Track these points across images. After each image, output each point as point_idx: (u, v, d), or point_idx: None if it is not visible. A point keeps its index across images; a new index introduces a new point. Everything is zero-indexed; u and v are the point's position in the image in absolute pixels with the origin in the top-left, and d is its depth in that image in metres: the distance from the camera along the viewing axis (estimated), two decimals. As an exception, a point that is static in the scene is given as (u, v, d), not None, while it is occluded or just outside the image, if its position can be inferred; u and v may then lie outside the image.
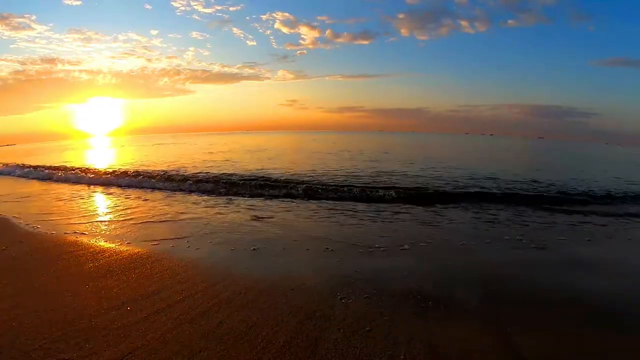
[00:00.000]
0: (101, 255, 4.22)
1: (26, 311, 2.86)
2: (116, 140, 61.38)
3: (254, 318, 2.73)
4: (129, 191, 8.90)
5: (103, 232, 5.28)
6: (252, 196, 8.09)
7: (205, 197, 8.04)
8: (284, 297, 3.10)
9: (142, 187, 9.01)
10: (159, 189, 8.84)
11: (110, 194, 8.65)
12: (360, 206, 7.08)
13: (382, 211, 6.62)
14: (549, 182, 10.01)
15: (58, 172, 11.33)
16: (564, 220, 6.08)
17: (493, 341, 2.46)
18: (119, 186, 9.32)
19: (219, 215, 6.30)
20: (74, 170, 11.86)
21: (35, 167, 13.00)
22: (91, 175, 10.53)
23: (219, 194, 8.21)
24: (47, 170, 11.80)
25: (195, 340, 2.44)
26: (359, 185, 8.84)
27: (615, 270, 3.89)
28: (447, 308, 2.92)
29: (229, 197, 8.08)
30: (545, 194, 8.18)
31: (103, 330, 2.57)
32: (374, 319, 2.73)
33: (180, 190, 8.70)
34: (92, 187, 9.48)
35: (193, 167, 12.89)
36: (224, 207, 7.05)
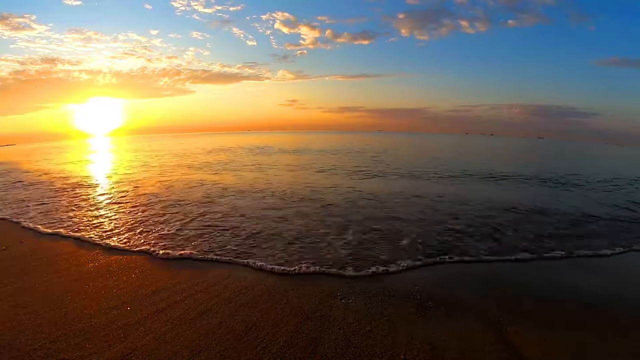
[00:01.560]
0: (101, 255, 4.22)
1: (26, 311, 2.86)
2: (117, 141, 61.22)
3: (254, 318, 2.73)
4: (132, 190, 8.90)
5: (103, 231, 5.27)
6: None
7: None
8: (284, 297, 3.10)
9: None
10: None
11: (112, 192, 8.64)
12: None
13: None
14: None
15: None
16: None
17: (493, 341, 2.46)
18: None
19: (220, 215, 6.29)
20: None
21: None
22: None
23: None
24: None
25: (195, 340, 2.44)
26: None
27: (615, 271, 3.89)
28: (447, 308, 2.93)
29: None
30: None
31: (103, 330, 2.57)
32: (374, 319, 2.73)
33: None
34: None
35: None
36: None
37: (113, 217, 6.06)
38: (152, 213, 6.28)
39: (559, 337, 2.53)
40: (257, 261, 3.93)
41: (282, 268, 3.73)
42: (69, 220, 5.85)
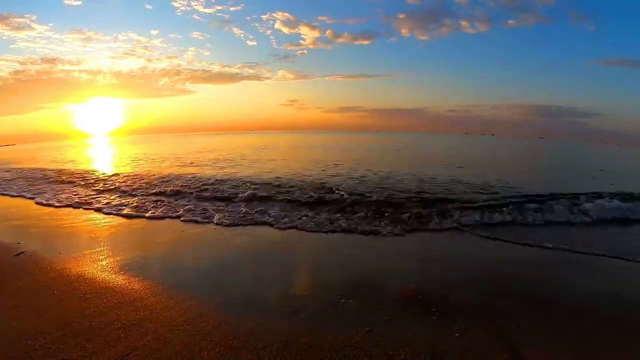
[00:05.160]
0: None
1: (27, 311, 2.85)
2: (118, 141, 61.29)
3: (255, 318, 2.73)
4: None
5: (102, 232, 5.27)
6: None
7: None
8: (285, 297, 3.10)
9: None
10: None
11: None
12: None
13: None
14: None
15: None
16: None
17: (494, 341, 2.45)
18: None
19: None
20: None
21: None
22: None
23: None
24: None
25: (195, 340, 2.43)
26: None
27: (614, 271, 3.87)
28: (448, 308, 2.92)
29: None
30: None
31: (103, 330, 2.56)
32: (374, 320, 2.72)
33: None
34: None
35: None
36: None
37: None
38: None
39: (561, 338, 2.50)
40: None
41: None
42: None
